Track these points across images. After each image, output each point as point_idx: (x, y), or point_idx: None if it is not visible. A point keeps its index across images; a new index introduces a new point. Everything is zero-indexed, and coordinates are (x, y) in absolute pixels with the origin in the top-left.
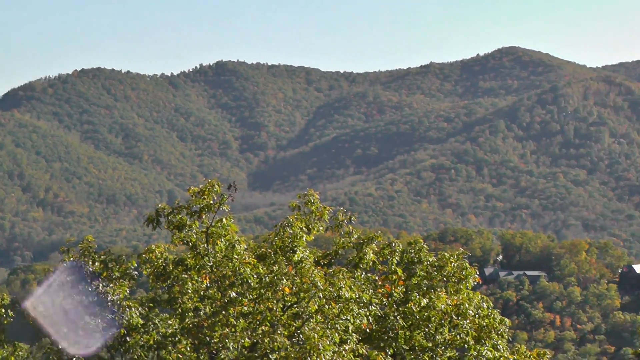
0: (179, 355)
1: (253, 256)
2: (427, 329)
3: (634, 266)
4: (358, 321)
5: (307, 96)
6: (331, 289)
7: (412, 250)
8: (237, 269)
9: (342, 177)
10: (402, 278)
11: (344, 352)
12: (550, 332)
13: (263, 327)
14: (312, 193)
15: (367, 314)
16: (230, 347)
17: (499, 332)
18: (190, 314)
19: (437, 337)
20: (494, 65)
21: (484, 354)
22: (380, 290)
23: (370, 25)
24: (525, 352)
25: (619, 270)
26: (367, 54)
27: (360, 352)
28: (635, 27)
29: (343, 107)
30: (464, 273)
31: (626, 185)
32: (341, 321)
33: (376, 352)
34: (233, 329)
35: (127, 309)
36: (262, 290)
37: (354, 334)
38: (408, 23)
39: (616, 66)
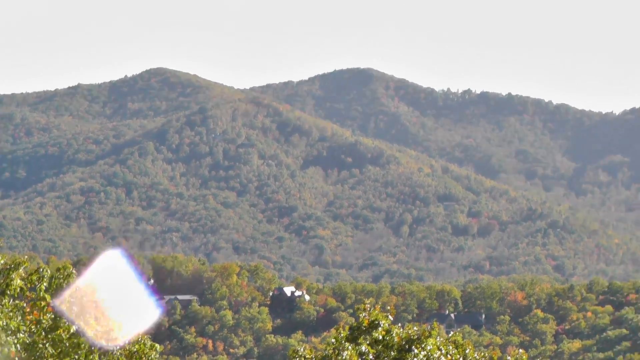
0: None
1: None
2: (76, 356)
3: (284, 289)
4: (6, 349)
5: None
6: None
7: (61, 276)
8: None
9: None
10: (51, 304)
11: None
12: (203, 357)
13: None
14: None
15: (15, 342)
16: None
17: (150, 358)
18: None
19: None
20: (142, 87)
21: None
22: (28, 317)
23: (18, 47)
24: None
25: (270, 293)
26: (13, 75)
27: None
28: (280, 48)
29: None
30: None
31: (275, 207)
32: None
33: None
34: None
35: None
36: None
37: None
38: (56, 45)
39: (264, 87)
